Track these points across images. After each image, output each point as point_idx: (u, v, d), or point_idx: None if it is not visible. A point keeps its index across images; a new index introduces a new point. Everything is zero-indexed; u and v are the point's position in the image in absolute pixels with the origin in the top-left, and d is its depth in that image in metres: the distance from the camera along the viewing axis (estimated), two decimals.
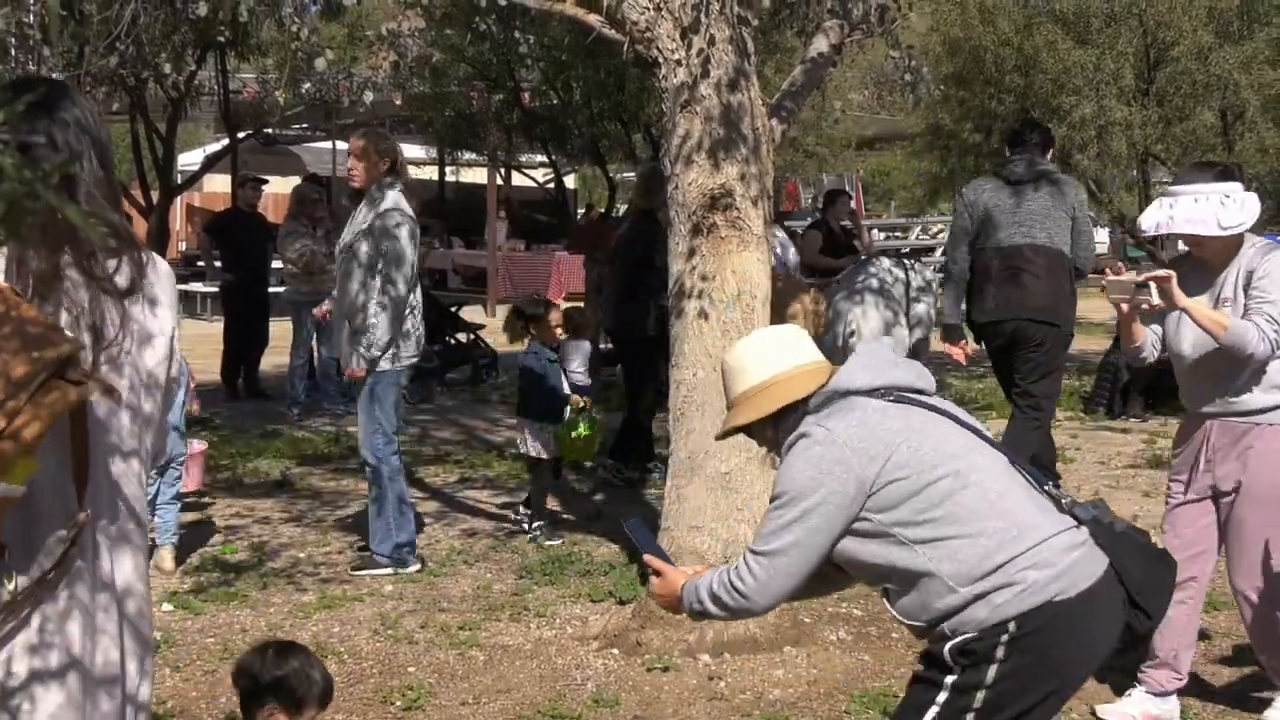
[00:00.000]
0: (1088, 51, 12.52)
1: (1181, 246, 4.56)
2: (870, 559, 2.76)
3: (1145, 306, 4.16)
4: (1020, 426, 6.86)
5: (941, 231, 25.30)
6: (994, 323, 6.80)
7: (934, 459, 2.72)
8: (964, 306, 6.97)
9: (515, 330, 7.05)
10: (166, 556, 6.21)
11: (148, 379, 2.23)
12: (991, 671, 2.68)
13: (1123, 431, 9.62)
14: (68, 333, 2.03)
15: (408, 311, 6.08)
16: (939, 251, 23.86)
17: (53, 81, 2.45)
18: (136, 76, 8.88)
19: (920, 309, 10.43)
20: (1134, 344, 4.40)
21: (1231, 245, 4.23)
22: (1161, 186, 14.99)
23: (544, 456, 6.88)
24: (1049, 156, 6.96)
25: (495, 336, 13.56)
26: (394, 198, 6.07)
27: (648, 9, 5.10)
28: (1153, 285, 4.10)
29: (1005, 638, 2.66)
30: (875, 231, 23.53)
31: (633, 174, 18.51)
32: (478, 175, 24.56)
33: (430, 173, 25.45)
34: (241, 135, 14.70)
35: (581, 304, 11.61)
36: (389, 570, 6.16)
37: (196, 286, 17.62)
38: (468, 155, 22.34)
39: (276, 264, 11.76)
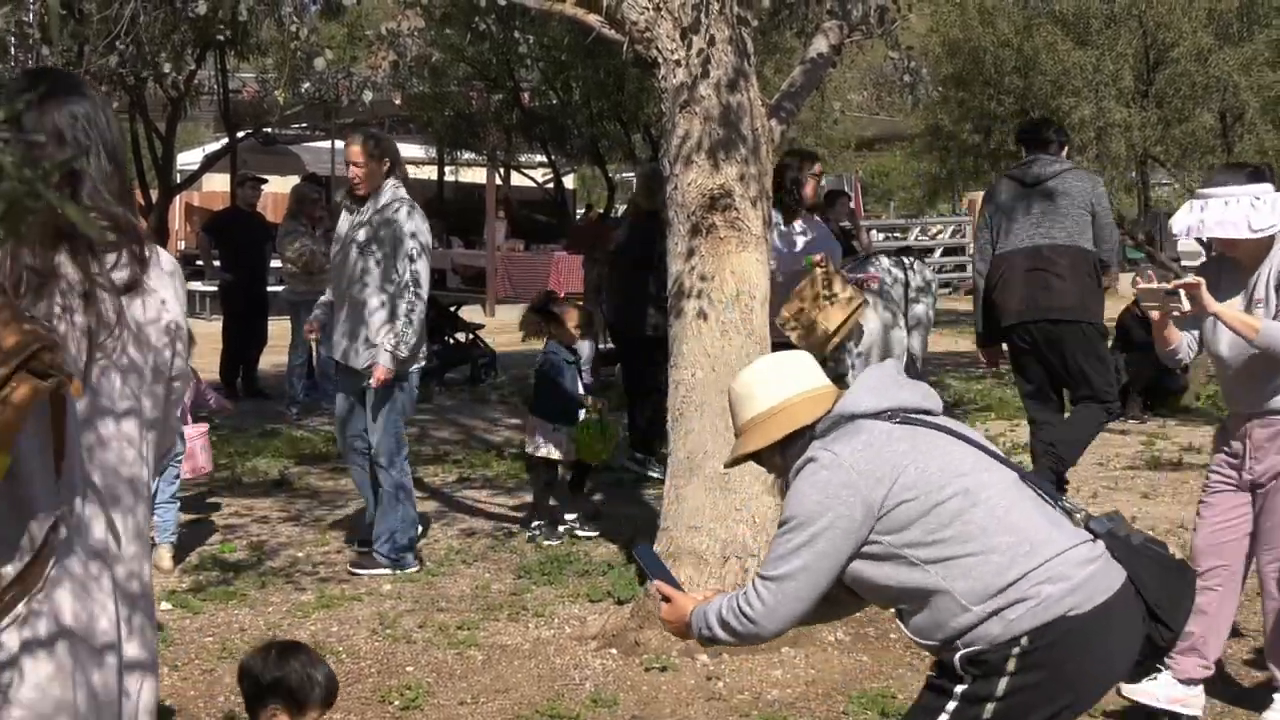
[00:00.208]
0: (1087, 53, 12.53)
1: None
2: (883, 580, 2.76)
3: (1177, 313, 4.20)
4: (1085, 414, 6.82)
5: (941, 232, 25.30)
6: (1021, 325, 6.76)
7: (942, 479, 2.72)
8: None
9: (533, 329, 7.03)
10: (165, 555, 6.21)
11: (148, 373, 2.22)
12: (1002, 684, 2.67)
13: (1121, 433, 9.62)
14: (41, 327, 2.02)
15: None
16: (939, 252, 23.89)
17: (65, 74, 2.45)
18: (136, 76, 8.87)
19: (919, 310, 10.42)
20: (1169, 347, 4.45)
21: (1263, 247, 4.27)
22: (1159, 188, 15.02)
23: (555, 458, 6.86)
24: (1065, 153, 6.97)
25: (495, 336, 13.58)
26: (404, 197, 6.09)
27: (647, 9, 5.10)
28: (1183, 292, 4.13)
29: (1017, 651, 2.66)
30: (874, 232, 23.52)
31: (632, 174, 18.53)
32: (477, 175, 24.57)
33: (429, 172, 25.45)
34: (241, 135, 14.71)
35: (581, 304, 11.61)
36: (388, 570, 6.16)
37: (195, 286, 17.58)
38: (467, 155, 22.38)
39: (275, 263, 11.76)
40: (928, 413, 2.87)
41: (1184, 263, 13.32)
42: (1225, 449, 4.46)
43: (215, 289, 13.10)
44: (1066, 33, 12.92)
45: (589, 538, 6.80)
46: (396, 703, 4.67)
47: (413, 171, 28.11)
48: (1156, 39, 12.31)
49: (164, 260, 2.30)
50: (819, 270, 6.77)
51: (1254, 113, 11.77)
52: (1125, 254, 22.59)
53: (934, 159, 16.73)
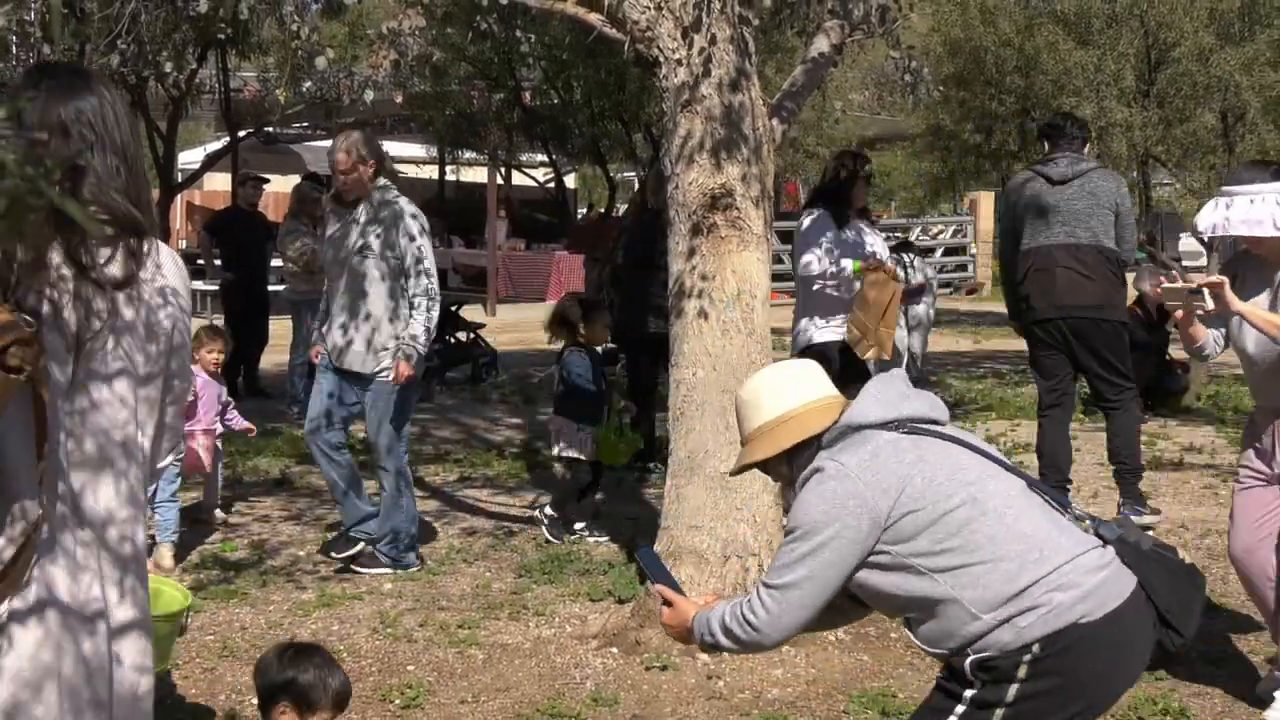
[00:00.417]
0: (1089, 52, 12.54)
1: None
2: (891, 590, 2.75)
3: (1200, 312, 4.21)
4: (1123, 418, 6.92)
5: (942, 232, 25.29)
6: (1049, 320, 6.79)
7: (949, 489, 2.72)
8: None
9: (566, 329, 7.02)
10: (166, 554, 6.21)
11: (145, 367, 2.21)
12: (1012, 690, 2.67)
13: None
14: (21, 321, 2.01)
15: None
16: (939, 252, 23.88)
17: (73, 69, 2.44)
18: (137, 75, 8.87)
19: (919, 309, 10.42)
20: (1196, 344, 4.49)
21: None
22: (1161, 187, 15.02)
23: (581, 458, 6.87)
24: (1086, 150, 7.00)
25: (496, 336, 13.59)
26: (397, 197, 6.08)
27: (649, 8, 5.10)
28: (1207, 291, 4.14)
29: (1028, 658, 2.66)
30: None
31: (633, 174, 18.54)
32: (478, 174, 24.58)
33: (431, 172, 25.48)
34: (242, 134, 14.72)
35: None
36: (390, 569, 6.17)
37: (197, 285, 17.55)
38: (468, 154, 22.38)
39: (276, 262, 11.75)
40: (935, 422, 2.87)
41: (1184, 262, 13.33)
42: (1256, 445, 4.50)
43: (216, 288, 13.10)
44: (1068, 32, 12.94)
45: (597, 541, 6.79)
46: (397, 701, 4.67)
47: (414, 171, 28.19)
48: (1158, 39, 12.32)
49: (165, 254, 2.29)
50: (870, 275, 6.75)
51: (1255, 112, 11.78)
52: None
53: (935, 159, 16.75)
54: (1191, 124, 12.06)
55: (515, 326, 17.12)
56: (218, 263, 12.19)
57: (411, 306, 5.99)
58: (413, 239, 5.98)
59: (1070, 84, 12.65)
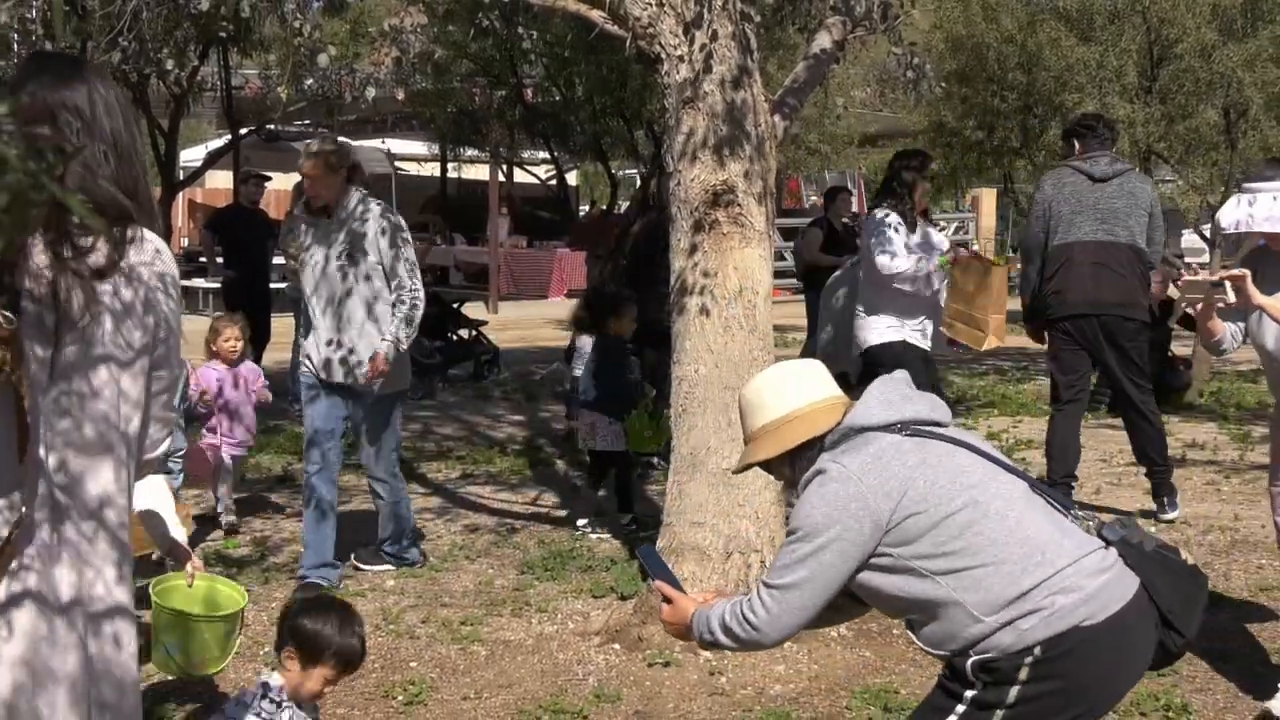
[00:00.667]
0: (1091, 48, 12.52)
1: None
2: (893, 592, 2.75)
3: (1221, 305, 4.21)
4: (1154, 422, 7.02)
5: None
6: (1082, 316, 6.80)
7: (951, 491, 2.72)
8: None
9: (596, 321, 7.02)
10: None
11: (135, 353, 2.19)
12: (1013, 692, 2.67)
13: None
14: (1, 319, 1.99)
15: None
16: None
17: (66, 58, 2.43)
18: (139, 72, 8.87)
19: None
20: (1214, 338, 4.48)
21: None
22: (1163, 184, 15.00)
23: (616, 450, 6.89)
24: (1114, 150, 7.06)
25: (497, 333, 13.59)
26: (374, 203, 5.96)
27: (650, 5, 5.09)
28: (1228, 284, 4.14)
29: (1030, 660, 2.66)
30: None
31: (634, 171, 18.53)
32: (480, 171, 24.57)
33: (432, 169, 25.46)
34: (244, 131, 14.73)
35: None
36: (393, 566, 6.19)
37: (198, 282, 17.62)
38: (470, 151, 22.36)
39: (278, 260, 11.75)
40: (937, 424, 2.87)
41: (1187, 259, 13.31)
42: (1278, 439, 4.52)
43: (218, 285, 13.10)
44: (1070, 28, 12.92)
45: (599, 537, 6.80)
46: (400, 698, 4.67)
47: (415, 168, 28.14)
48: (1160, 35, 12.30)
49: (150, 245, 2.26)
50: (957, 266, 6.72)
51: (1258, 109, 11.75)
52: None
53: (937, 155, 16.70)
54: (1194, 120, 12.03)
55: (517, 324, 17.14)
56: (219, 260, 12.19)
57: (394, 307, 5.88)
58: (394, 245, 5.85)
59: (1072, 80, 12.63)
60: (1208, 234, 12.01)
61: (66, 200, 1.44)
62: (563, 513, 7.37)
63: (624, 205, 17.85)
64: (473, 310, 13.88)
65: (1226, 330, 4.47)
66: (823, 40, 5.77)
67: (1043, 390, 11.68)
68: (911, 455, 2.76)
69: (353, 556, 6.31)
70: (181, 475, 6.44)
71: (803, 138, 18.21)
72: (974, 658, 2.70)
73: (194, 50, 10.60)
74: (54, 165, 1.41)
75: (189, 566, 3.98)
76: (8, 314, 2.03)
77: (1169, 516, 6.96)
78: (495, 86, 15.13)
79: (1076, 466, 7.01)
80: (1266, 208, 4.22)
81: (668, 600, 3.02)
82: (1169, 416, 10.10)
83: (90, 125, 2.23)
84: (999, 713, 2.68)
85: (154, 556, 4.84)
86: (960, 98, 14.48)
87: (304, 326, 6.26)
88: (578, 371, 9.66)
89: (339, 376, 5.96)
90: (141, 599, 4.29)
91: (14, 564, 2.08)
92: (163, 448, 2.35)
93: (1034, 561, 2.68)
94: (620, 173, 20.19)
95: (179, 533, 4.21)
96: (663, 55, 5.13)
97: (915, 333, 6.80)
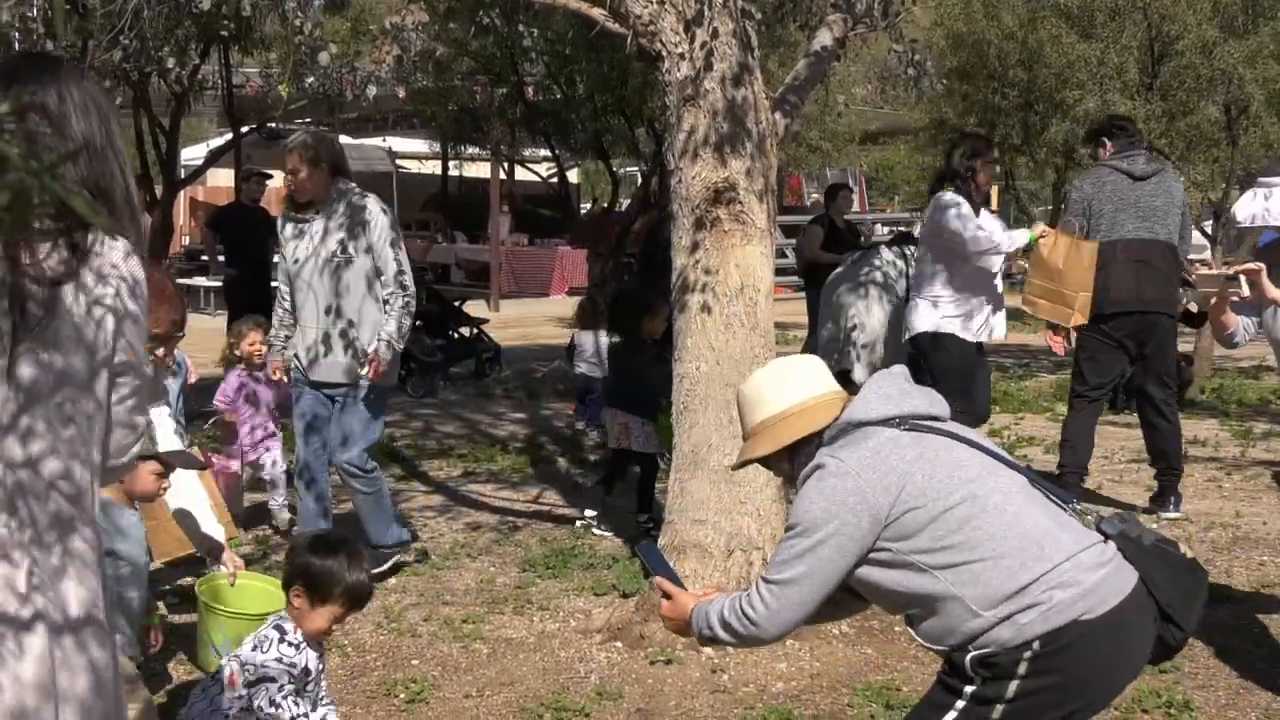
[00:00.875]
0: (1092, 45, 12.52)
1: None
2: (892, 586, 2.76)
3: (1235, 298, 4.22)
4: (1164, 425, 7.05)
5: None
6: (1126, 314, 6.82)
7: (949, 485, 2.72)
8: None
9: (628, 321, 7.01)
10: None
11: (87, 364, 2.14)
12: (1012, 687, 2.68)
13: (1125, 426, 9.60)
14: None
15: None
16: None
17: (39, 58, 2.38)
18: (140, 71, 8.87)
19: None
20: (1227, 331, 4.51)
21: None
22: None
23: (649, 451, 6.92)
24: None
25: (499, 331, 13.59)
26: (364, 196, 5.83)
27: (651, 2, 5.09)
28: (1243, 278, 4.16)
29: (1029, 655, 2.66)
30: (879, 227, 23.49)
31: (635, 169, 18.51)
32: (481, 170, 24.57)
33: (433, 167, 25.46)
34: (245, 130, 14.72)
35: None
36: (398, 557, 6.13)
37: (200, 281, 17.63)
38: (471, 149, 22.33)
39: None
40: (936, 419, 2.87)
41: (1189, 256, 13.30)
42: None
43: (219, 284, 13.11)
44: (1071, 25, 12.91)
45: (601, 534, 6.80)
46: (402, 696, 4.68)
47: (417, 166, 28.06)
48: (1161, 31, 12.29)
49: (112, 250, 2.19)
50: (1043, 241, 6.72)
51: (1259, 105, 11.74)
52: None
53: (938, 153, 16.70)
54: (1195, 117, 12.03)
55: (518, 322, 17.14)
56: (221, 258, 12.20)
57: (387, 304, 5.79)
58: (387, 239, 5.76)
59: (1073, 77, 12.63)
60: (1209, 230, 12.00)
61: (70, 200, 1.44)
62: (564, 510, 7.37)
63: (625, 203, 17.83)
64: (474, 308, 13.89)
65: (1239, 324, 4.48)
66: (823, 37, 5.77)
67: (1044, 388, 11.70)
68: (909, 450, 2.76)
69: None
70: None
71: (804, 135, 18.19)
72: (973, 653, 2.70)
73: (195, 49, 10.58)
74: (56, 164, 1.41)
75: (229, 565, 3.97)
76: None
77: (1170, 514, 6.97)
78: (496, 84, 15.10)
79: (1089, 461, 7.10)
80: None
81: (667, 596, 3.03)
82: None
83: (59, 125, 2.20)
84: (999, 708, 2.69)
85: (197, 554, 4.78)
86: (961, 95, 14.48)
87: (278, 321, 6.07)
88: (579, 370, 9.73)
89: (331, 375, 5.88)
90: (186, 598, 4.28)
91: (24, 579, 2.06)
92: (131, 453, 2.29)
93: (1032, 556, 2.69)
94: (621, 170, 20.15)
95: (217, 531, 4.21)
96: (664, 53, 5.13)
97: (968, 322, 6.80)
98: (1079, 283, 6.68)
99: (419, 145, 25.03)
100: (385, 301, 5.82)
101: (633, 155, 16.08)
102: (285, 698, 3.29)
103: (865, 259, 9.27)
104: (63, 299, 2.10)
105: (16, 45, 5.85)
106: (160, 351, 4.15)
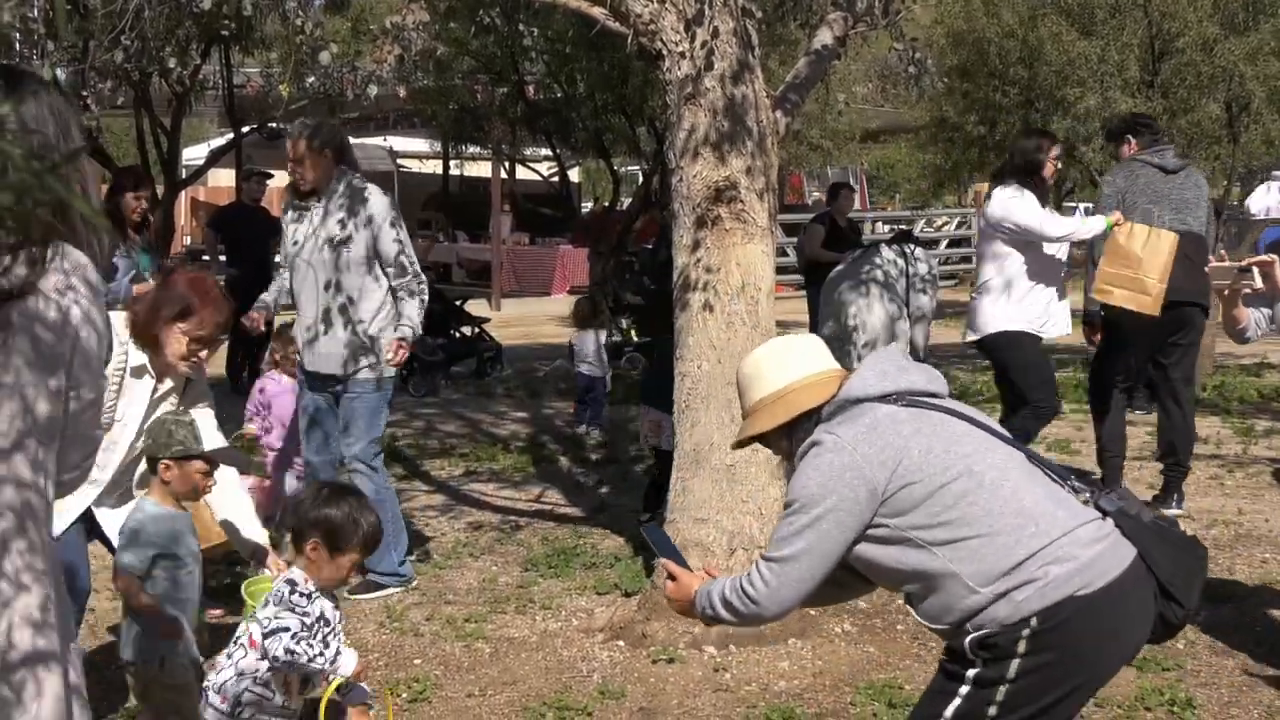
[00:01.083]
0: (1092, 43, 12.52)
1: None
2: (890, 563, 2.77)
3: (1248, 290, 4.22)
4: (1178, 416, 7.09)
5: (947, 224, 25.25)
6: (1166, 306, 6.76)
7: (946, 461, 2.73)
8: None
9: (662, 321, 6.99)
10: None
11: (42, 379, 2.09)
12: (1013, 666, 2.68)
13: (1127, 423, 9.60)
14: None
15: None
16: (944, 244, 23.84)
17: (7, 69, 2.36)
18: (141, 71, 8.89)
19: (923, 300, 10.40)
20: (1238, 325, 4.50)
21: None
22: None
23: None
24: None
25: (500, 330, 13.59)
26: (366, 184, 5.73)
27: (651, 1, 5.09)
28: (1255, 270, 4.15)
29: (1027, 632, 2.66)
30: (880, 225, 23.50)
31: (637, 168, 18.52)
32: (482, 169, 24.57)
33: (435, 166, 25.45)
34: (246, 129, 14.72)
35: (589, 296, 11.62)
36: (395, 589, 5.83)
37: None
38: (472, 149, 22.33)
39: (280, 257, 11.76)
40: (934, 395, 2.89)
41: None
42: None
43: (220, 284, 13.12)
44: (1071, 23, 12.91)
45: (602, 533, 6.81)
46: (404, 695, 4.68)
47: (418, 166, 28.01)
48: (1162, 29, 12.29)
49: (72, 260, 2.13)
50: (1119, 229, 6.72)
51: (1260, 102, 11.75)
52: None
53: (939, 151, 16.72)
54: (1196, 114, 12.03)
55: (520, 321, 17.15)
56: (222, 259, 12.20)
57: (396, 296, 5.71)
58: (391, 227, 5.66)
59: (1074, 75, 12.63)
60: (1210, 227, 12.00)
61: (71, 201, 1.44)
62: (566, 510, 7.38)
63: (627, 202, 17.83)
64: (475, 307, 13.89)
65: (1251, 317, 4.47)
66: (824, 36, 5.77)
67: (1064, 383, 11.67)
68: (906, 425, 2.77)
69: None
70: None
71: (804, 133, 18.19)
72: (972, 634, 2.70)
73: (196, 49, 10.60)
74: (58, 166, 1.41)
75: (274, 569, 3.98)
76: None
77: (1173, 511, 6.96)
78: (497, 83, 15.11)
79: (1124, 447, 7.30)
80: None
81: (672, 578, 3.04)
82: None
83: (18, 137, 2.16)
84: (1002, 688, 2.69)
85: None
86: (962, 93, 14.48)
87: (274, 287, 6.01)
88: (580, 369, 9.73)
89: (330, 367, 5.78)
90: (233, 598, 4.24)
91: (37, 608, 2.06)
92: (85, 467, 2.23)
93: (1028, 532, 2.69)
94: (622, 169, 20.16)
95: (260, 534, 4.21)
96: (664, 51, 5.13)
97: (1035, 317, 6.76)
98: (1159, 271, 6.65)
99: (420, 144, 25.03)
100: (394, 293, 5.73)
101: (634, 154, 16.10)
102: (299, 642, 3.33)
103: (866, 257, 9.28)
104: (21, 311, 2.05)
105: (17, 45, 5.85)
106: (205, 354, 4.17)
